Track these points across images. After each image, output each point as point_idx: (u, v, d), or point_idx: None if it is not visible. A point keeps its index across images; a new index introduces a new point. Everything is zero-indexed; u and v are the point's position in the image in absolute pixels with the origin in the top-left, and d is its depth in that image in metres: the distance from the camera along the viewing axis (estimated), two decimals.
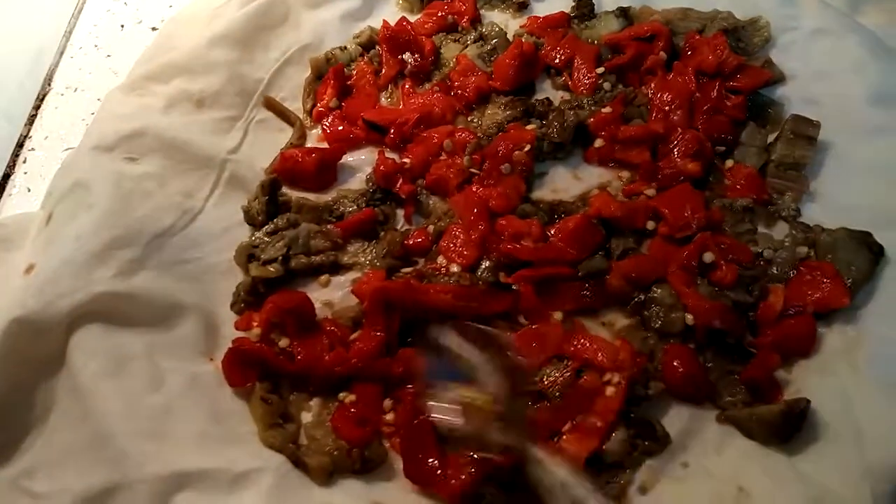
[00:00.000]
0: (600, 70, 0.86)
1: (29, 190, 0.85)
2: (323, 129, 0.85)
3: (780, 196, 0.78)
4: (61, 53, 0.98)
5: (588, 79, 0.86)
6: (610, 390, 0.63)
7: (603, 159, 0.82)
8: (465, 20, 0.93)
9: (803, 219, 0.76)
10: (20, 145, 0.89)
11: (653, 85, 0.85)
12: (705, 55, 0.85)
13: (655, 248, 0.74)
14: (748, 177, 0.79)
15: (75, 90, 0.94)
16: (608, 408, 0.63)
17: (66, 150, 0.88)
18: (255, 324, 0.69)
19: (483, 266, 0.72)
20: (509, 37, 0.92)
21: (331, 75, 0.87)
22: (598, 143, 0.81)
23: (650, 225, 0.75)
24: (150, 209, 0.74)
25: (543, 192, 0.80)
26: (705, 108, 0.82)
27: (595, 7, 0.93)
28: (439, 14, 0.94)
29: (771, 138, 0.82)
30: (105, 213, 0.71)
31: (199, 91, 0.84)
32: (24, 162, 0.87)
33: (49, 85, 0.95)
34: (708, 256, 0.72)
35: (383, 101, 0.89)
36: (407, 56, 0.89)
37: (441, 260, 0.73)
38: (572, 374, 0.66)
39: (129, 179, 0.75)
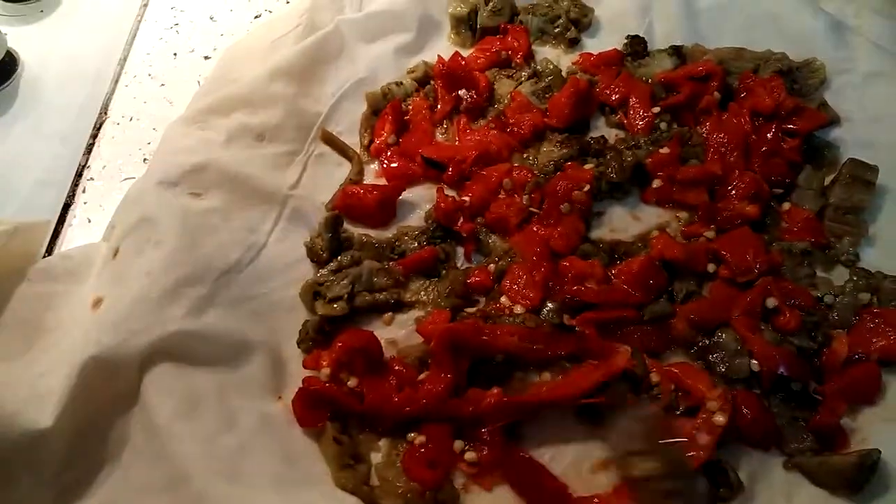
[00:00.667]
0: (656, 109, 0.87)
1: (89, 220, 0.86)
2: (381, 165, 0.85)
3: (839, 240, 0.78)
4: (116, 82, 0.99)
5: (644, 118, 0.87)
6: (703, 438, 0.63)
7: (661, 199, 0.82)
8: (518, 56, 0.94)
9: (862, 263, 0.77)
10: (79, 175, 0.89)
11: (708, 125, 0.86)
12: (761, 96, 0.85)
13: (717, 292, 0.75)
14: (806, 220, 0.79)
15: (131, 119, 0.95)
16: (698, 451, 0.63)
17: (125, 179, 0.89)
18: (324, 363, 0.70)
19: (547, 307, 0.73)
20: (563, 74, 0.93)
21: (388, 111, 0.87)
22: (657, 183, 0.82)
23: (710, 268, 0.76)
24: (217, 245, 0.75)
25: (602, 232, 0.81)
26: (762, 149, 0.83)
27: (648, 45, 0.94)
28: (493, 49, 0.95)
29: (828, 181, 0.82)
30: (173, 249, 0.71)
31: (260, 125, 0.84)
32: (84, 192, 0.88)
33: (105, 114, 0.95)
34: (771, 302, 0.72)
35: (438, 136, 0.89)
36: (462, 92, 0.90)
37: (504, 300, 0.74)
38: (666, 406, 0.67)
39: (194, 215, 0.76)
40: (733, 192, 0.80)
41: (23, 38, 1.01)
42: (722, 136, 0.85)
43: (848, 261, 0.77)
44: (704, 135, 0.86)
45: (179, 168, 0.78)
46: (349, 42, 0.94)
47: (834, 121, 0.86)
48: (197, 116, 0.84)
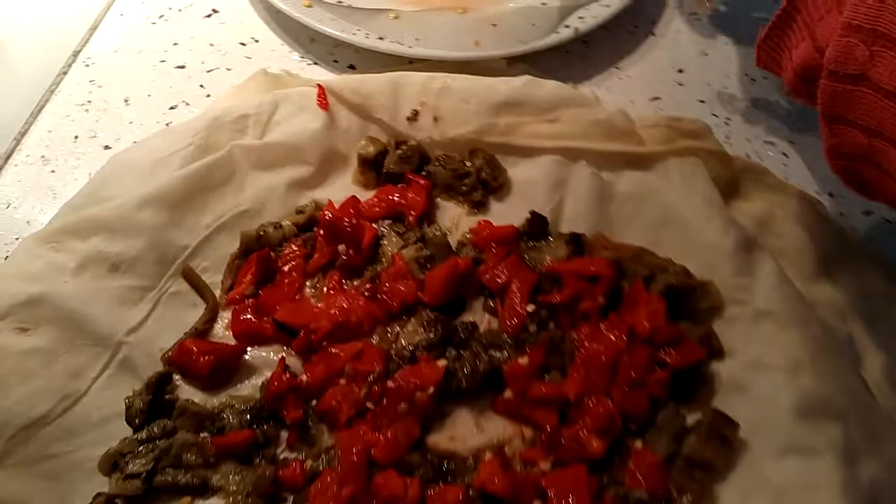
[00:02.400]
0: (531, 307, 0.83)
1: None
2: (232, 319, 0.82)
3: (680, 496, 0.73)
4: (6, 160, 0.96)
5: (517, 314, 0.82)
6: None
7: (510, 412, 0.77)
8: (412, 214, 0.89)
9: None
10: None
11: (583, 332, 0.82)
12: (640, 317, 0.81)
13: None
14: (652, 466, 0.74)
15: (8, 206, 0.92)
16: None
17: None
18: None
19: None
20: (455, 240, 0.89)
21: (253, 261, 0.83)
22: (508, 394, 0.77)
23: None
24: (26, 394, 0.71)
25: (440, 437, 0.76)
26: (627, 377, 0.78)
27: (549, 225, 0.89)
28: (391, 197, 0.91)
29: (690, 419, 0.78)
30: None
31: (116, 254, 0.81)
32: None
33: None
34: None
35: (307, 290, 0.85)
36: (342, 247, 0.86)
37: None
38: None
39: (11, 357, 0.72)
40: (584, 420, 0.76)
41: None
42: (593, 348, 0.80)
43: None
44: (577, 343, 0.81)
45: (13, 299, 0.75)
46: (241, 169, 0.89)
47: (715, 354, 0.81)
48: (54, 235, 0.81)
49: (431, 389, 0.76)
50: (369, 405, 0.76)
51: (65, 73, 1.05)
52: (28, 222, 0.90)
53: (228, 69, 1.08)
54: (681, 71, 1.14)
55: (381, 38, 1.04)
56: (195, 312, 0.82)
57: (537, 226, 0.89)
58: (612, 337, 0.81)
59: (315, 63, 1.11)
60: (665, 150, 0.93)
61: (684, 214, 0.89)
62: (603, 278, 0.84)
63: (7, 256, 0.86)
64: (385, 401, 0.76)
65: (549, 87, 0.97)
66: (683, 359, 0.79)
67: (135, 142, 0.97)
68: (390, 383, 0.76)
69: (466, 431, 0.77)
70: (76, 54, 1.07)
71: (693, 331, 0.82)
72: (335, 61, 1.11)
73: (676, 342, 0.80)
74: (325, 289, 0.85)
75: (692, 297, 0.84)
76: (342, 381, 0.77)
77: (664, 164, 0.93)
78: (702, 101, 1.10)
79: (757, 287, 0.84)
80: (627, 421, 0.77)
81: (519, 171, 0.94)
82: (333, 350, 0.79)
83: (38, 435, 0.71)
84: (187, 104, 1.03)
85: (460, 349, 0.80)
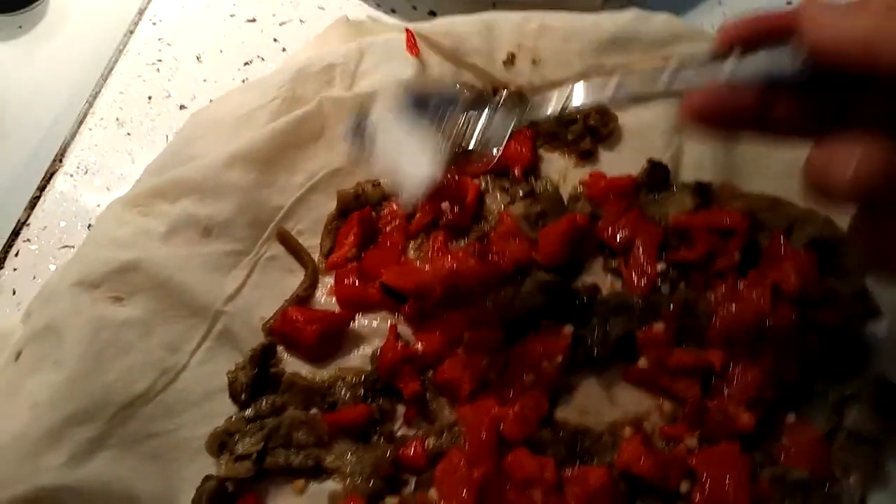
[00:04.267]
0: (661, 266, 0.74)
1: (14, 292, 0.78)
2: (336, 284, 0.75)
3: (845, 475, 0.65)
4: (80, 123, 0.90)
5: (646, 274, 0.74)
6: None
7: (645, 383, 0.70)
8: (518, 168, 0.81)
9: None
10: (16, 233, 0.82)
11: (721, 292, 0.73)
12: (787, 273, 0.72)
13: None
14: (810, 443, 0.66)
15: (86, 172, 0.86)
16: None
17: (63, 248, 0.81)
18: None
19: None
20: (564, 194, 0.81)
21: (354, 221, 0.76)
22: (643, 362, 0.70)
23: (684, 487, 0.64)
24: (125, 370, 0.66)
25: (569, 412, 0.70)
26: (776, 341, 0.70)
27: (670, 175, 0.81)
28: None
29: (848, 389, 0.69)
30: (70, 377, 0.63)
31: (207, 217, 0.74)
32: (17, 255, 0.80)
33: (60, 161, 0.87)
34: None
35: (411, 251, 0.78)
36: (445, 205, 0.78)
37: (433, 494, 0.64)
38: None
39: (108, 329, 0.67)
40: (731, 391, 0.68)
41: None
42: (733, 310, 0.72)
43: None
44: (714, 305, 0.73)
45: (106, 266, 0.69)
46: (331, 124, 0.82)
47: (871, 314, 0.72)
48: (140, 199, 0.75)
49: (560, 358, 0.69)
50: (492, 376, 0.69)
51: (131, 32, 0.98)
52: (108, 188, 0.84)
53: (302, 21, 1.00)
54: (790, 2, 1.02)
55: None
56: (293, 278, 0.76)
57: (657, 175, 0.80)
58: (753, 297, 0.72)
59: (392, 11, 1.02)
60: None
61: None
62: (737, 232, 0.75)
63: (90, 225, 0.81)
64: (509, 372, 0.69)
65: (660, 21, 0.86)
66: (839, 318, 0.70)
67: (211, 100, 0.90)
68: (514, 353, 0.69)
69: (598, 405, 0.70)
70: (141, 12, 1.00)
71: (843, 288, 0.73)
72: (413, 8, 1.02)
73: (827, 301, 0.71)
74: (429, 251, 0.78)
75: (839, 251, 0.75)
76: (460, 351, 0.70)
77: None
78: None
79: None
80: (777, 392, 0.69)
81: (630, 116, 0.85)
82: (447, 316, 0.72)
83: (139, 414, 0.66)
84: (262, 59, 0.95)
85: (584, 314, 0.73)
